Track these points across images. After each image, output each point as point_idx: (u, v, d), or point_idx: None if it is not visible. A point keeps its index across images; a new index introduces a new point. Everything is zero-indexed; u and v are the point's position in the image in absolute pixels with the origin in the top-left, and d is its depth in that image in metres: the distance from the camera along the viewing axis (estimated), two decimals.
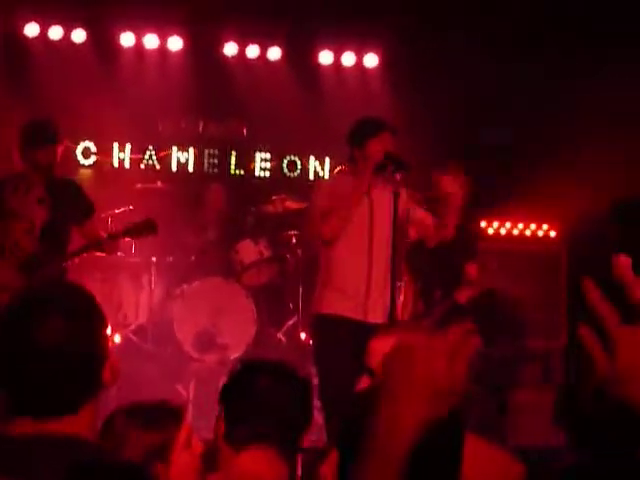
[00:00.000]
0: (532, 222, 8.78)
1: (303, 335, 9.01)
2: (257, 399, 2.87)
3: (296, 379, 2.98)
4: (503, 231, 8.78)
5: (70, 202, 6.47)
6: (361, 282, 5.84)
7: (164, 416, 2.70)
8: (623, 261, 1.57)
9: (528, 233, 8.78)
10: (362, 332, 5.70)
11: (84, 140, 10.00)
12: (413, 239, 7.46)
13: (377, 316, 5.77)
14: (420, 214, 6.14)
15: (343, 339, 5.77)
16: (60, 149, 6.56)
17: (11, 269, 6.19)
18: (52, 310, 2.19)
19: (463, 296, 7.13)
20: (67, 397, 2.18)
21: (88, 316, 2.24)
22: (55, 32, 9.85)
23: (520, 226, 8.81)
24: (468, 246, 7.98)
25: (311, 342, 7.03)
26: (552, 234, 8.73)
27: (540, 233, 8.81)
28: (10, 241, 6.29)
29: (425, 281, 7.75)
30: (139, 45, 10.05)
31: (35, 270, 6.14)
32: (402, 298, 7.69)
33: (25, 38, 9.80)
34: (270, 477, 2.79)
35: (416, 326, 3.72)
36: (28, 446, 2.10)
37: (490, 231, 8.76)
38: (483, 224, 8.75)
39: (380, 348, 3.16)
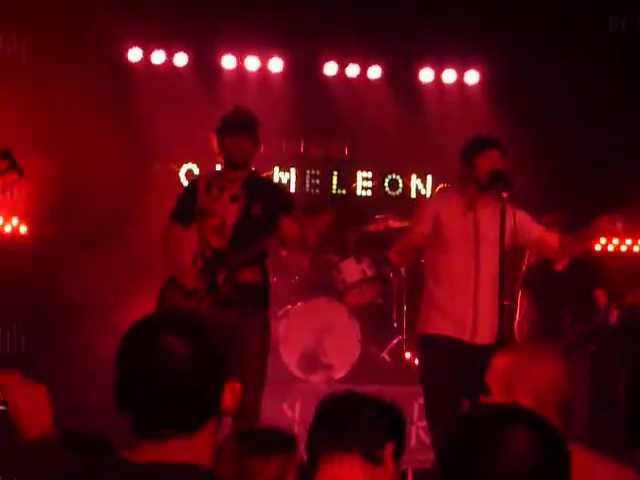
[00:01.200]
0: None
1: (408, 355, 8.96)
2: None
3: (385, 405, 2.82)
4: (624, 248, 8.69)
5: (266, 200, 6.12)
6: (468, 302, 5.76)
7: (280, 443, 2.68)
8: None
9: None
10: (469, 353, 5.65)
11: (187, 162, 10.11)
12: (532, 263, 7.39)
13: (485, 337, 5.70)
14: (537, 233, 6.04)
15: (449, 360, 5.73)
16: (258, 145, 6.22)
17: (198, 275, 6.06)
18: (174, 330, 2.21)
19: (613, 316, 6.96)
20: (186, 416, 2.19)
21: (211, 338, 2.25)
22: (157, 57, 10.02)
23: None
24: (596, 271, 7.85)
25: (417, 362, 6.99)
26: None
27: None
28: (200, 240, 6.15)
29: (549, 305, 7.58)
30: (240, 67, 10.15)
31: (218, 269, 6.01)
32: (517, 319, 7.59)
33: (129, 63, 9.97)
34: None
35: (542, 347, 3.63)
36: (152, 475, 2.11)
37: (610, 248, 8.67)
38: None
39: (498, 365, 3.12)
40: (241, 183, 6.16)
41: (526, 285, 7.66)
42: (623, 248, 9.69)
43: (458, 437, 2.09)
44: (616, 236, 5.61)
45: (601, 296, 7.46)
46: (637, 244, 9.06)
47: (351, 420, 2.62)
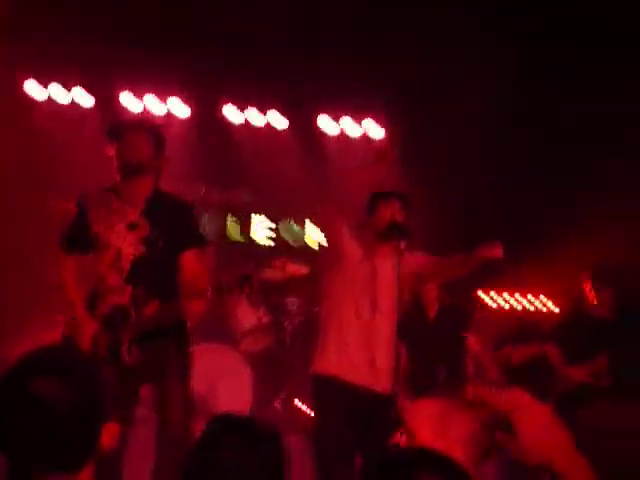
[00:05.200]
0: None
1: (299, 403, 8.93)
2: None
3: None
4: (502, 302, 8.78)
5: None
6: (365, 348, 5.74)
7: None
8: None
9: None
10: (366, 400, 5.62)
11: None
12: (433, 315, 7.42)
13: (381, 385, 5.68)
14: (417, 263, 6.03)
15: (346, 405, 5.63)
16: (160, 151, 5.35)
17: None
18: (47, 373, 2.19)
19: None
20: (63, 459, 2.17)
21: (87, 379, 2.25)
22: (57, 93, 9.93)
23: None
24: (466, 318, 7.93)
25: (307, 410, 6.88)
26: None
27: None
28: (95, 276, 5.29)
29: (423, 353, 7.60)
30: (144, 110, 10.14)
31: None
32: (403, 364, 7.60)
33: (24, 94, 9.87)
34: None
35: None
36: None
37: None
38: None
39: (425, 410, 3.13)
40: (143, 207, 5.32)
41: (400, 332, 7.68)
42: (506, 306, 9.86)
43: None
44: (496, 262, 5.63)
45: (474, 344, 7.55)
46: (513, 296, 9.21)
47: None
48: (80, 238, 5.36)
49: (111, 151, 5.28)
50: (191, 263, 5.30)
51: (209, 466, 2.53)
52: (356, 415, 5.60)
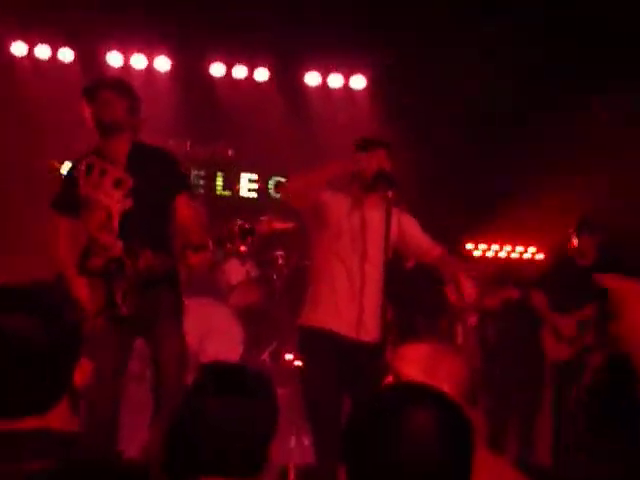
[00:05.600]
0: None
1: (288, 356, 8.97)
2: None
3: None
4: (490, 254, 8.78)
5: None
6: (353, 300, 5.74)
7: None
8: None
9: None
10: (355, 350, 5.65)
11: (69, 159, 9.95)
12: (411, 265, 7.43)
13: (370, 335, 5.69)
14: (417, 241, 6.03)
15: (331, 354, 5.64)
16: (134, 107, 5.41)
17: None
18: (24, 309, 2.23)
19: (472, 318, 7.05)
20: (38, 396, 2.21)
21: (61, 314, 2.28)
22: (42, 51, 9.87)
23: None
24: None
25: (298, 359, 6.88)
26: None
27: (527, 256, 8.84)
28: (87, 236, 5.41)
29: (402, 304, 7.59)
30: (126, 65, 10.07)
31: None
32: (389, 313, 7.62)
33: (13, 56, 9.79)
34: None
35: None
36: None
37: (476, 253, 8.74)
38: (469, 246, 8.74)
39: (413, 354, 3.14)
40: (125, 162, 5.44)
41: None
42: (489, 253, 9.91)
43: (364, 419, 2.08)
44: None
45: (452, 293, 7.56)
46: (502, 249, 9.23)
47: None
48: (70, 202, 5.48)
49: (87, 111, 5.38)
50: (184, 208, 5.42)
51: (199, 415, 2.52)
52: (344, 363, 5.61)
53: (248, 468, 2.51)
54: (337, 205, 5.80)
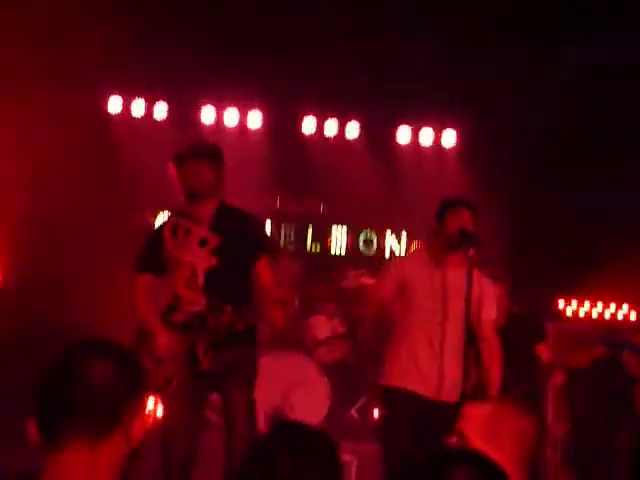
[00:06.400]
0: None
1: (376, 412, 8.93)
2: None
3: None
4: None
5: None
6: (434, 359, 5.76)
7: None
8: None
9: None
10: (432, 410, 5.63)
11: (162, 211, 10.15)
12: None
13: (449, 394, 5.68)
14: (485, 317, 6.02)
15: (411, 414, 5.69)
16: (220, 174, 5.58)
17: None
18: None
19: (559, 378, 6.95)
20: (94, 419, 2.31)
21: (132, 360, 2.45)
22: (137, 107, 10.10)
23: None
24: (538, 326, 7.84)
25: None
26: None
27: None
28: (172, 294, 5.53)
29: None
30: (219, 121, 10.26)
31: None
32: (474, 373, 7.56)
33: (109, 113, 10.06)
34: None
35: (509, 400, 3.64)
36: None
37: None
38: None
39: (476, 414, 3.14)
40: (209, 222, 5.57)
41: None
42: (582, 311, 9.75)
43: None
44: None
45: (544, 352, 7.44)
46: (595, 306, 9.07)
47: None
48: (152, 262, 5.64)
49: (174, 175, 5.58)
50: (266, 270, 5.52)
51: (261, 470, 2.55)
52: (423, 423, 5.63)
53: None
54: (418, 268, 5.86)
